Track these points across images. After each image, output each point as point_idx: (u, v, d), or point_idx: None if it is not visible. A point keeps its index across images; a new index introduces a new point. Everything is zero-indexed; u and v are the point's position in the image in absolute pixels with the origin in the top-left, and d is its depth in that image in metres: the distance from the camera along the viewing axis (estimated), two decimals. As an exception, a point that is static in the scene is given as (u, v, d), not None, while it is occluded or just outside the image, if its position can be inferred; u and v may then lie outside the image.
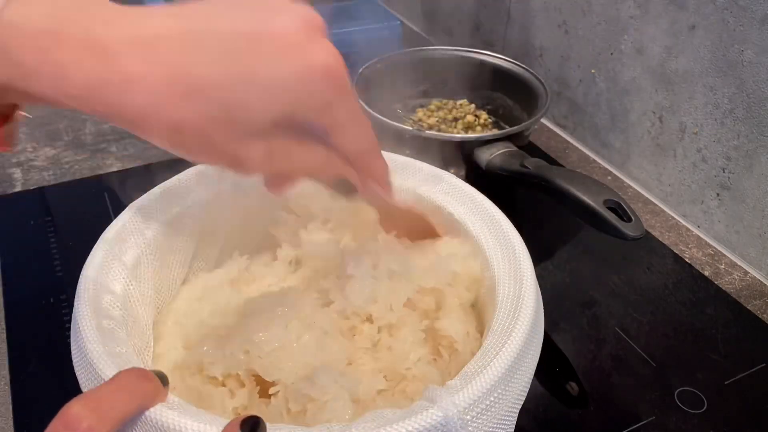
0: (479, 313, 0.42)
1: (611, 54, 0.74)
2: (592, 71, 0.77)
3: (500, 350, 0.32)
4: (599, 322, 0.57)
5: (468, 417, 0.29)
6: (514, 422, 0.33)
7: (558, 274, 0.62)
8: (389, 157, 0.47)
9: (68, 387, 0.48)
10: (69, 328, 0.52)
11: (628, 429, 0.47)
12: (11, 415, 0.47)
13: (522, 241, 0.40)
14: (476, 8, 0.96)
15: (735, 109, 0.61)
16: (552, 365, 0.53)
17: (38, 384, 0.49)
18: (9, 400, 0.48)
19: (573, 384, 0.51)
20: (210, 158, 0.30)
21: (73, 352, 0.34)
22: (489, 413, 0.30)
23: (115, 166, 0.75)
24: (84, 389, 0.33)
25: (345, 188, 0.37)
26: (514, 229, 0.41)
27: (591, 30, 0.76)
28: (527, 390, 0.34)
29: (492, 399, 0.30)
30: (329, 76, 0.28)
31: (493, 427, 0.30)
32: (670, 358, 0.53)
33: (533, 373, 0.34)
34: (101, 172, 0.74)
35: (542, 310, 0.37)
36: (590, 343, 0.55)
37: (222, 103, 0.28)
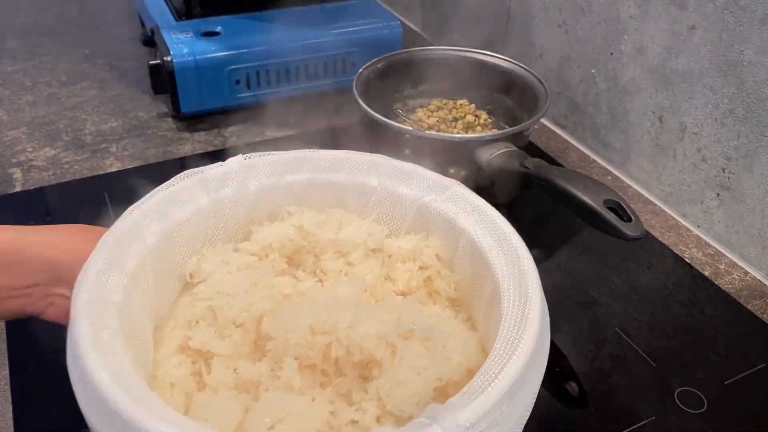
0: (478, 326, 0.41)
1: (611, 54, 0.74)
2: (592, 71, 0.77)
3: (504, 367, 0.31)
4: (599, 322, 0.57)
5: None
6: None
7: (558, 274, 0.62)
8: (392, 163, 0.47)
9: (67, 387, 0.48)
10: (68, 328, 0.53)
11: (628, 429, 0.47)
12: (11, 415, 0.47)
13: (528, 252, 0.39)
14: (476, 8, 0.96)
15: (735, 109, 0.61)
16: (552, 365, 0.52)
17: (37, 384, 0.49)
18: (9, 400, 0.48)
19: (573, 384, 0.51)
20: None
21: (69, 361, 0.33)
22: (493, 431, 0.30)
23: (115, 166, 0.75)
24: (80, 399, 0.32)
25: None
26: (521, 240, 0.40)
27: (591, 30, 0.76)
28: (532, 405, 0.33)
29: (497, 416, 0.30)
30: None
31: None
32: (670, 358, 0.53)
33: (539, 387, 0.34)
34: (101, 172, 0.74)
35: (548, 325, 0.36)
36: (590, 343, 0.55)
37: None
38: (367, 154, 0.48)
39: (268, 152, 0.46)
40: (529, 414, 0.33)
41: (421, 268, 0.44)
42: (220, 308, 0.39)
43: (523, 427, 0.32)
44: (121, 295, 0.36)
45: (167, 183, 0.42)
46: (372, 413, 0.35)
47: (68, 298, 0.40)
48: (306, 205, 0.46)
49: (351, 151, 0.47)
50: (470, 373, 0.35)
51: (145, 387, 0.32)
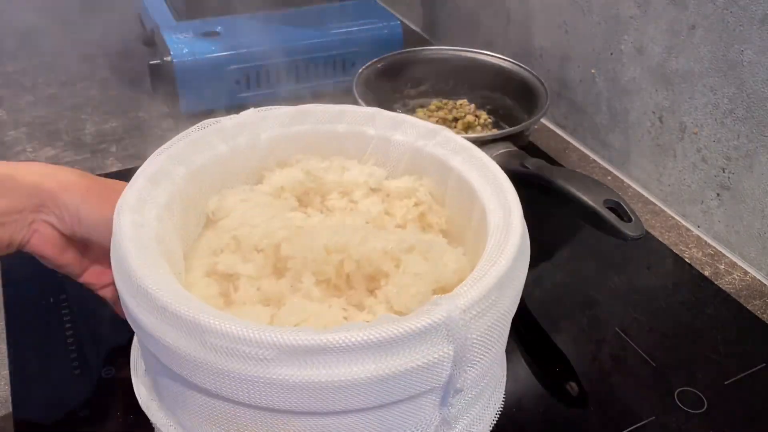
0: (468, 251, 0.46)
1: (611, 54, 0.74)
2: (592, 71, 0.77)
3: (493, 265, 0.36)
4: (599, 323, 0.57)
5: (468, 317, 0.33)
6: (508, 328, 0.38)
7: (558, 274, 0.62)
8: (387, 114, 0.51)
9: (68, 387, 0.48)
10: (69, 328, 0.53)
11: (628, 429, 0.47)
12: (11, 415, 0.47)
13: (507, 177, 0.44)
14: (476, 8, 0.96)
15: (735, 109, 0.62)
16: (552, 365, 0.53)
17: (38, 384, 0.49)
18: (9, 400, 0.48)
19: (573, 384, 0.51)
20: None
21: (118, 279, 0.36)
22: (486, 316, 0.34)
23: (116, 166, 0.75)
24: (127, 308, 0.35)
25: None
26: (501, 169, 0.45)
27: (591, 30, 0.76)
28: (518, 301, 0.38)
29: (488, 303, 0.34)
30: None
31: (489, 328, 0.35)
32: (670, 358, 0.53)
33: (522, 285, 0.39)
34: (101, 172, 0.74)
35: (528, 237, 0.40)
36: (590, 344, 0.55)
37: None
38: (365, 107, 0.52)
39: (277, 106, 0.51)
40: (514, 311, 0.38)
41: (416, 204, 0.49)
42: (243, 236, 0.43)
43: (512, 318, 0.38)
44: (155, 221, 0.40)
45: (187, 131, 0.47)
46: (381, 314, 0.39)
47: (51, 226, 0.44)
48: (310, 153, 0.51)
49: (350, 105, 0.52)
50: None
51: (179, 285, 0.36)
